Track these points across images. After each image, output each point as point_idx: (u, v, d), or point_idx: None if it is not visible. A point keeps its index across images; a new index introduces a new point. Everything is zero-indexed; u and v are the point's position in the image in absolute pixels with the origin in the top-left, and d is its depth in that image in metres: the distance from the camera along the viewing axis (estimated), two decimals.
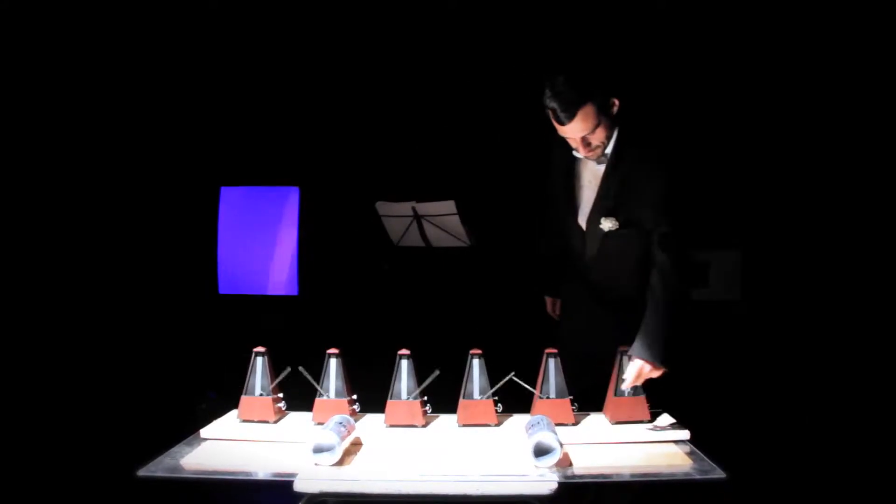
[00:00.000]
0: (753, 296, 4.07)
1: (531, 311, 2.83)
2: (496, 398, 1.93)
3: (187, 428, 1.94)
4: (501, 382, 1.91)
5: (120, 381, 3.73)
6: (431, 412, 2.00)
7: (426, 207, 3.50)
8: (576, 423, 1.93)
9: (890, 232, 3.78)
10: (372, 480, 1.61)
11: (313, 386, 1.95)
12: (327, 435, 1.68)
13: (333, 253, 4.29)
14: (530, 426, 1.75)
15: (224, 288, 4.33)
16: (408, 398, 1.93)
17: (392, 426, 1.93)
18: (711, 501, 2.02)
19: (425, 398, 1.96)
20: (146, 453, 1.74)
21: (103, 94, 4.04)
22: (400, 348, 1.96)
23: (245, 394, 1.98)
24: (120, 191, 4.15)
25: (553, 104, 1.91)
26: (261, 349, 2.00)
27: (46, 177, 3.96)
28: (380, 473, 1.65)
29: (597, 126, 1.95)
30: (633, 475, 1.69)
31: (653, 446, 1.84)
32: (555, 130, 2.01)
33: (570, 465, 1.69)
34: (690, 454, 1.78)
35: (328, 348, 1.98)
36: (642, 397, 1.94)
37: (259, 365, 1.99)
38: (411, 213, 3.55)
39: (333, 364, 1.97)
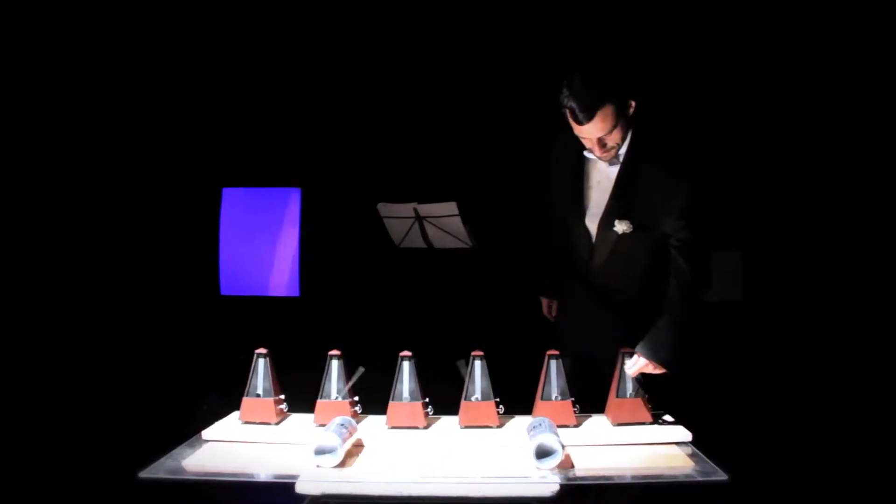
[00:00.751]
0: (755, 296, 4.07)
1: (533, 312, 2.83)
2: (498, 399, 1.93)
3: (189, 429, 1.94)
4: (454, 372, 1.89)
5: (121, 383, 3.73)
6: (433, 414, 2.00)
7: (428, 209, 3.50)
8: (577, 425, 1.93)
9: (892, 233, 3.78)
10: (374, 482, 1.61)
11: (316, 387, 1.95)
12: (329, 437, 1.68)
13: (335, 254, 4.29)
14: (532, 428, 1.75)
15: (226, 289, 4.33)
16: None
17: (394, 428, 1.93)
18: (713, 503, 2.01)
19: (427, 400, 1.96)
20: (148, 455, 1.75)
21: (105, 95, 4.04)
22: (401, 350, 1.96)
23: (246, 395, 1.98)
24: (122, 192, 4.16)
25: (572, 104, 1.90)
26: (262, 350, 2.00)
27: (48, 178, 3.96)
28: (381, 475, 1.65)
29: (614, 127, 1.94)
30: (634, 477, 1.69)
31: (654, 448, 1.84)
32: (558, 130, 2.01)
33: (572, 466, 1.70)
34: (692, 456, 1.78)
35: (330, 350, 1.98)
36: (643, 399, 1.94)
37: (261, 366, 1.99)
38: (413, 214, 3.55)
39: (335, 365, 1.97)
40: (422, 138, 4.15)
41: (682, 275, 2.00)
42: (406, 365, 1.95)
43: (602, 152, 2.00)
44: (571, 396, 1.92)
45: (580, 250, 2.23)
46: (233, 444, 1.88)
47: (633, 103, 1.97)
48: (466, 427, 1.92)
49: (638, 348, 1.95)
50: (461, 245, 3.65)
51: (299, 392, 2.07)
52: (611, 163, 2.06)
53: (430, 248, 3.73)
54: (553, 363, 1.93)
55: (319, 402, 1.96)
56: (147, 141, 4.18)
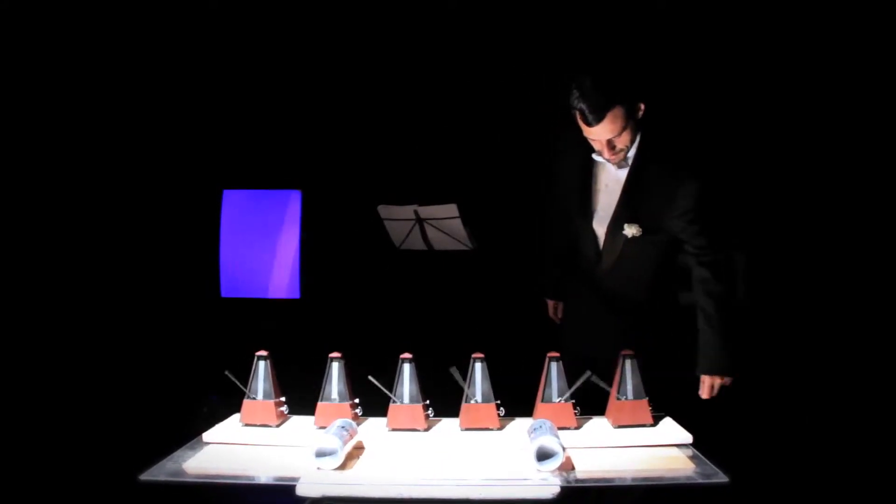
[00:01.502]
0: (756, 297, 4.06)
1: (533, 314, 2.83)
2: (498, 402, 1.93)
3: (189, 431, 1.94)
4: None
5: (122, 385, 3.73)
6: (433, 416, 2.00)
7: (428, 211, 3.50)
8: (578, 427, 1.93)
9: (892, 233, 3.77)
10: (374, 484, 1.61)
11: (316, 390, 1.95)
12: (330, 439, 1.68)
13: (335, 256, 4.29)
14: (532, 430, 1.75)
15: (226, 291, 4.33)
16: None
17: (394, 430, 1.93)
18: None
19: (427, 402, 1.96)
20: (148, 457, 1.74)
21: (105, 97, 4.04)
22: (402, 352, 1.96)
23: (248, 397, 1.98)
24: (122, 193, 4.16)
25: (582, 105, 1.90)
26: (263, 353, 2.00)
27: (49, 180, 3.96)
28: (382, 477, 1.65)
29: (623, 129, 1.94)
30: (635, 479, 1.69)
31: (655, 450, 1.84)
32: (565, 133, 2.01)
33: (573, 469, 1.69)
34: (693, 458, 1.78)
35: (330, 352, 1.98)
36: (644, 401, 1.94)
37: (262, 369, 1.99)
38: (413, 216, 3.55)
39: (336, 368, 1.97)
40: (422, 140, 4.15)
41: (707, 283, 1.99)
42: (406, 367, 1.95)
43: (611, 154, 2.00)
44: (572, 398, 1.92)
45: (587, 253, 2.22)
46: (233, 447, 1.88)
47: (643, 106, 1.97)
48: (467, 429, 1.92)
49: (698, 371, 1.99)
50: (461, 247, 3.65)
51: (300, 394, 2.07)
52: (619, 166, 2.06)
53: (431, 250, 3.73)
54: (553, 365, 1.93)
55: (320, 404, 1.96)
56: (147, 143, 4.19)
